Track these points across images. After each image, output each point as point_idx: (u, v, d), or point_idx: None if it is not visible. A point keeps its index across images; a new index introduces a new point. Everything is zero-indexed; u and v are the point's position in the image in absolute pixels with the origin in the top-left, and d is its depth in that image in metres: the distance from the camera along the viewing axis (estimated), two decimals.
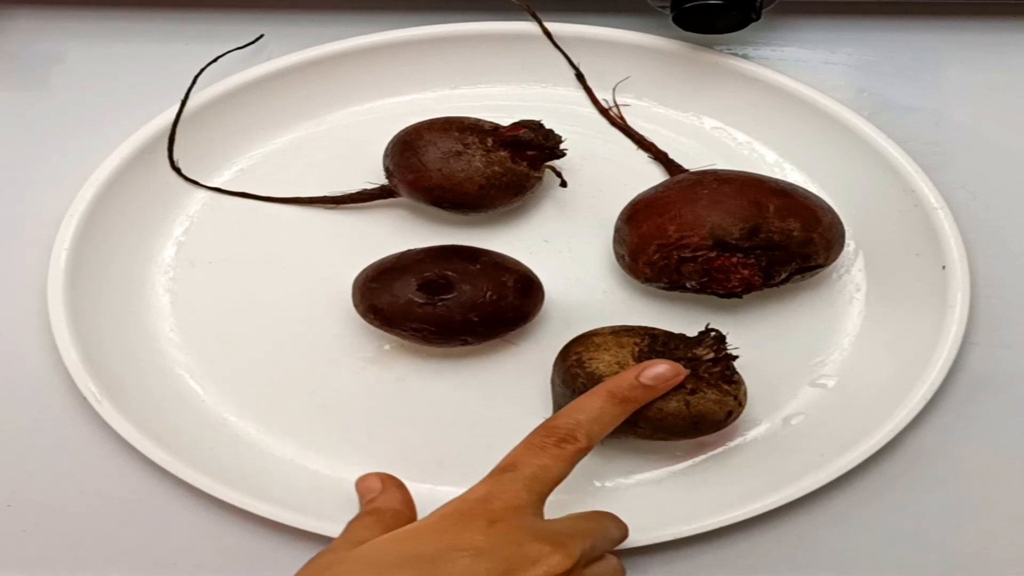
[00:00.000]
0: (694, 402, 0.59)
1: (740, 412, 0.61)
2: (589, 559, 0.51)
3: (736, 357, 0.60)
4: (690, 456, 0.64)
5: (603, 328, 0.62)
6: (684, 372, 0.58)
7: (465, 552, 0.48)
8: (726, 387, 0.60)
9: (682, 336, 0.61)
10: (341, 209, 0.68)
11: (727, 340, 0.60)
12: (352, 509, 0.62)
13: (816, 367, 0.66)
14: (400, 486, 0.60)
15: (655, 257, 0.62)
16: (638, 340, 0.61)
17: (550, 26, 0.68)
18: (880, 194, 0.66)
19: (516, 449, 0.54)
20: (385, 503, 0.59)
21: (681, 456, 0.64)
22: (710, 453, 0.65)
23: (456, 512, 0.51)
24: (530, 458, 0.53)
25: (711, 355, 0.59)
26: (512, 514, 0.50)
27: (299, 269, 0.67)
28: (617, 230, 0.65)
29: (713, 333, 0.60)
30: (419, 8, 0.69)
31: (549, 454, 0.53)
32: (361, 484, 0.62)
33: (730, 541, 0.64)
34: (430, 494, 0.64)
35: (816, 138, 0.67)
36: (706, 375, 0.59)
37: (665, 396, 0.58)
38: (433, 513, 0.52)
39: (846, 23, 0.70)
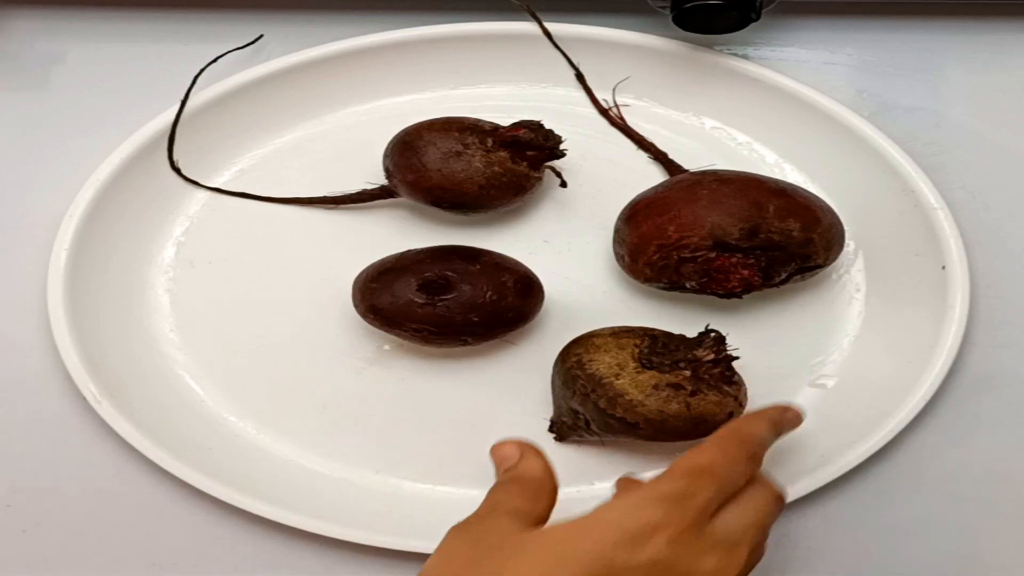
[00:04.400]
0: (695, 403, 0.59)
1: (741, 413, 0.61)
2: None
3: (736, 358, 0.60)
4: None
5: (603, 329, 0.62)
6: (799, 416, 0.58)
7: (645, 565, 0.46)
8: (727, 388, 0.60)
9: (682, 337, 0.61)
10: (341, 209, 0.68)
11: (727, 341, 0.60)
12: (351, 510, 0.62)
13: (816, 367, 0.66)
14: (539, 454, 0.56)
15: (655, 257, 0.62)
16: (638, 341, 0.61)
17: (550, 26, 0.68)
18: (880, 194, 0.66)
19: (710, 450, 0.51)
20: (528, 471, 0.55)
21: None
22: None
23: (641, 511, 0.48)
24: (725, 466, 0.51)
25: (711, 356, 0.59)
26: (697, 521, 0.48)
27: (299, 269, 0.67)
28: (617, 230, 0.65)
29: (713, 334, 0.60)
30: (419, 8, 0.69)
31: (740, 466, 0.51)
32: (497, 452, 0.57)
33: None
34: (430, 494, 0.64)
35: (816, 138, 0.67)
36: (706, 376, 0.59)
37: (666, 398, 0.59)
38: (619, 501, 0.50)
39: (846, 23, 0.70)
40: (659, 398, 0.59)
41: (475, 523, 0.50)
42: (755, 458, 0.51)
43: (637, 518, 0.46)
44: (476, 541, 0.49)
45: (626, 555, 0.45)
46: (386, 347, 0.66)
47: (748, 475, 0.51)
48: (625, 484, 0.58)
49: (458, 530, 0.50)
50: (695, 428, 0.59)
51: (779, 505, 0.52)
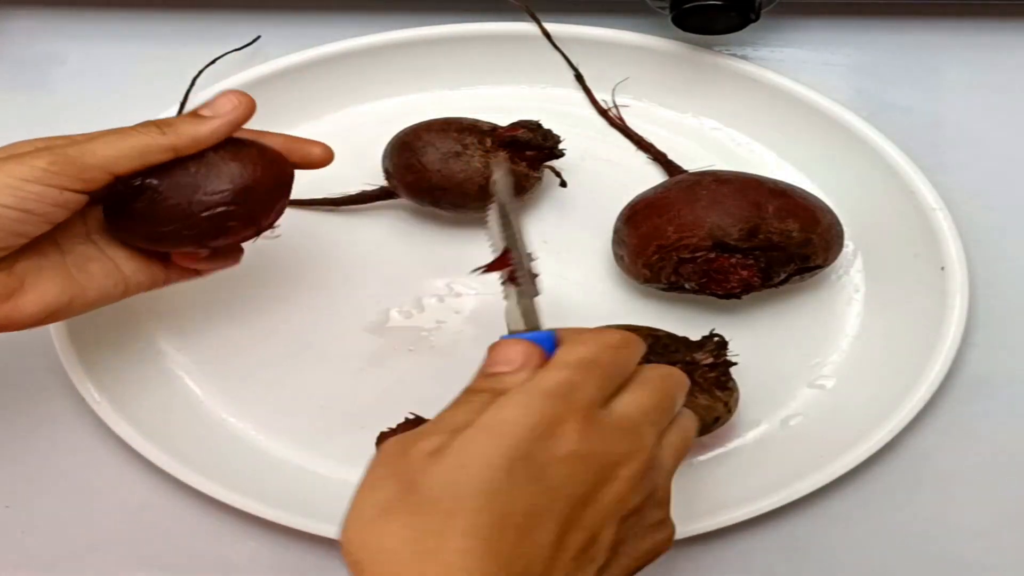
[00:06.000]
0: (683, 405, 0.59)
1: (728, 419, 0.61)
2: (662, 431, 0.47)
3: (734, 364, 0.60)
4: (689, 457, 0.64)
5: (607, 328, 0.62)
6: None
7: (564, 462, 0.44)
8: (718, 393, 0.60)
9: (685, 339, 0.61)
10: (340, 211, 0.68)
11: (728, 347, 0.60)
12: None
13: (815, 368, 0.66)
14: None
15: (654, 258, 0.62)
16: None
17: (549, 27, 0.68)
18: (879, 195, 0.66)
19: (589, 341, 0.48)
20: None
21: None
22: (709, 454, 0.65)
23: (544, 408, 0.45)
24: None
25: (710, 360, 0.59)
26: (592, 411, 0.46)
27: (298, 271, 0.67)
28: (616, 231, 0.65)
29: (716, 339, 0.60)
30: (418, 9, 0.69)
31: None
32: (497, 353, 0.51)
33: (730, 541, 0.64)
34: None
35: (815, 139, 0.67)
36: (701, 380, 0.59)
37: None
38: (506, 401, 0.45)
39: (845, 24, 0.70)
40: None
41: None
42: (635, 343, 0.49)
43: (536, 414, 0.43)
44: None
45: (543, 449, 0.43)
46: (387, 347, 0.66)
47: (633, 361, 0.48)
48: (497, 354, 0.49)
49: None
50: None
51: (676, 381, 0.49)
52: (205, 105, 0.54)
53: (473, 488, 0.41)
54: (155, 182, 0.53)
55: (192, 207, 0.53)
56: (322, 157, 0.57)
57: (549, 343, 0.47)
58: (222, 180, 0.53)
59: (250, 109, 0.54)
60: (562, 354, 0.46)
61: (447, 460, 0.42)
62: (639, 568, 0.47)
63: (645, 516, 0.46)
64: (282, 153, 0.56)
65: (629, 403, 0.46)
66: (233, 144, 0.54)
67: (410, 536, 0.41)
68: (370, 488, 0.44)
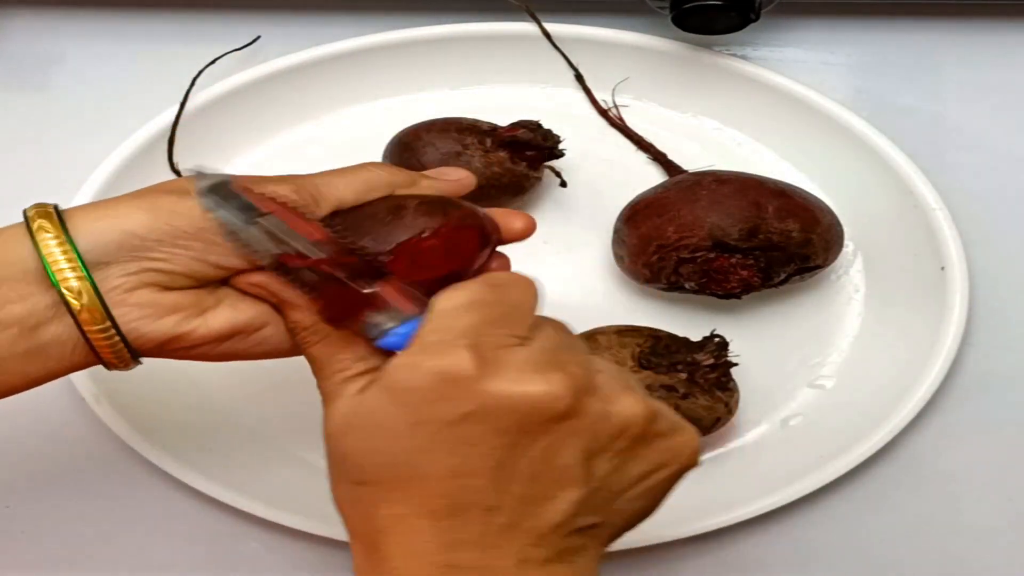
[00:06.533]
0: (684, 406, 0.59)
1: (728, 419, 0.61)
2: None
3: (735, 364, 0.60)
4: None
5: (608, 327, 0.62)
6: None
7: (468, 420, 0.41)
8: (719, 394, 0.60)
9: (686, 340, 0.61)
10: None
11: (729, 348, 0.60)
12: None
13: (815, 368, 0.66)
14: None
15: (654, 258, 0.62)
16: (640, 341, 0.61)
17: (549, 27, 0.68)
18: (879, 195, 0.66)
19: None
20: None
21: None
22: (709, 454, 0.65)
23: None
24: None
25: (711, 360, 0.59)
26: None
27: None
28: (616, 231, 0.65)
29: (717, 339, 0.60)
30: (418, 9, 0.69)
31: None
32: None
33: (730, 541, 0.64)
34: None
35: (815, 139, 0.67)
36: (701, 380, 0.59)
37: (657, 399, 0.59)
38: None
39: (845, 24, 0.70)
40: None
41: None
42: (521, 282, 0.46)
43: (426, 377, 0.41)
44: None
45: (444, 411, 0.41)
46: None
47: (528, 303, 0.46)
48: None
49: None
50: None
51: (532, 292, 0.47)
52: (432, 171, 0.52)
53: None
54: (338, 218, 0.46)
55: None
56: (523, 231, 0.51)
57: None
58: (397, 228, 0.46)
59: (470, 186, 0.51)
60: (441, 301, 0.43)
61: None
62: (659, 487, 0.45)
63: (615, 440, 0.43)
64: (488, 227, 0.49)
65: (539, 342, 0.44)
66: (443, 203, 0.48)
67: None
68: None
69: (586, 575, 0.44)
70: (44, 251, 0.42)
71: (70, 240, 0.42)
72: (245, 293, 0.46)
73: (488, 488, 0.41)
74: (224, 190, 0.45)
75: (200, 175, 0.45)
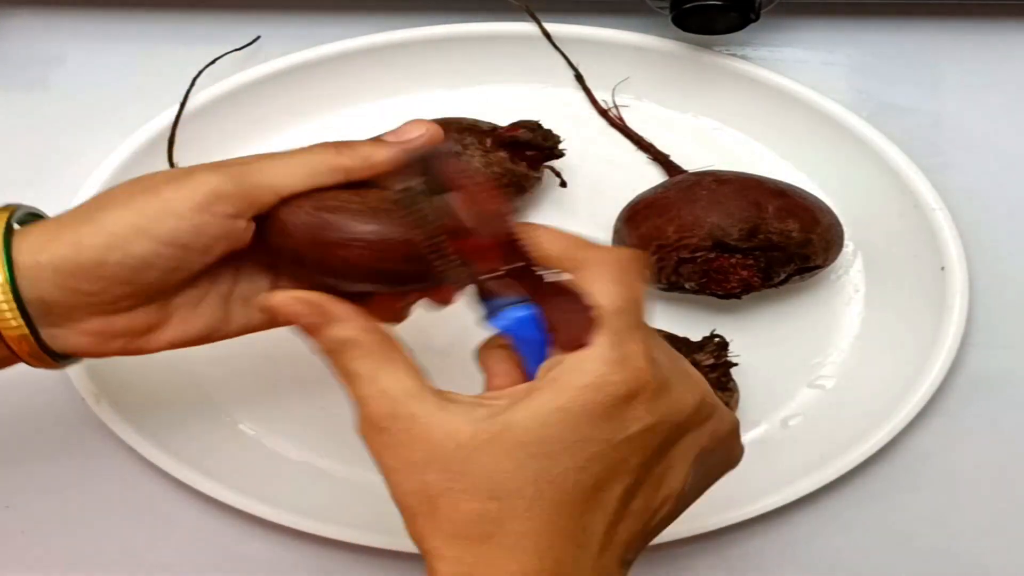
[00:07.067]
0: None
1: None
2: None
3: (735, 364, 0.60)
4: None
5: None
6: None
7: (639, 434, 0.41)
8: (719, 394, 0.60)
9: (685, 340, 0.61)
10: None
11: (729, 347, 0.60)
12: (351, 510, 0.62)
13: (815, 368, 0.66)
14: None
15: (654, 258, 0.62)
16: None
17: (549, 27, 0.68)
18: (879, 195, 0.66)
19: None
20: None
21: None
22: None
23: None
24: None
25: (711, 361, 0.59)
26: None
27: None
28: (616, 231, 0.65)
29: (717, 339, 0.60)
30: (418, 9, 0.69)
31: None
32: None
33: (730, 541, 0.64)
34: None
35: (815, 139, 0.67)
36: None
37: None
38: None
39: (845, 24, 0.70)
40: None
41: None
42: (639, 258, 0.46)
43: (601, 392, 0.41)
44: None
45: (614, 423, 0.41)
46: None
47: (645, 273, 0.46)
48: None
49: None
50: None
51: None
52: (391, 132, 0.48)
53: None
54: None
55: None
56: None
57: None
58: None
59: (437, 138, 0.48)
60: (605, 304, 0.42)
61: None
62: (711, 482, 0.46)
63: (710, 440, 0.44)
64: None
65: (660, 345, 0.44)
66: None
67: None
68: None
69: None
70: None
71: (12, 283, 0.44)
72: (272, 315, 0.45)
73: (621, 502, 0.41)
74: (429, 163, 0.46)
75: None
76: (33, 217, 0.49)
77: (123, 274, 0.44)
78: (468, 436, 0.41)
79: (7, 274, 0.44)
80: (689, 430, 0.43)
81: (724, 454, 0.46)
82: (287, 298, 0.44)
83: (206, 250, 0.45)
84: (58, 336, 0.46)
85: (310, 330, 0.45)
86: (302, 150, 0.47)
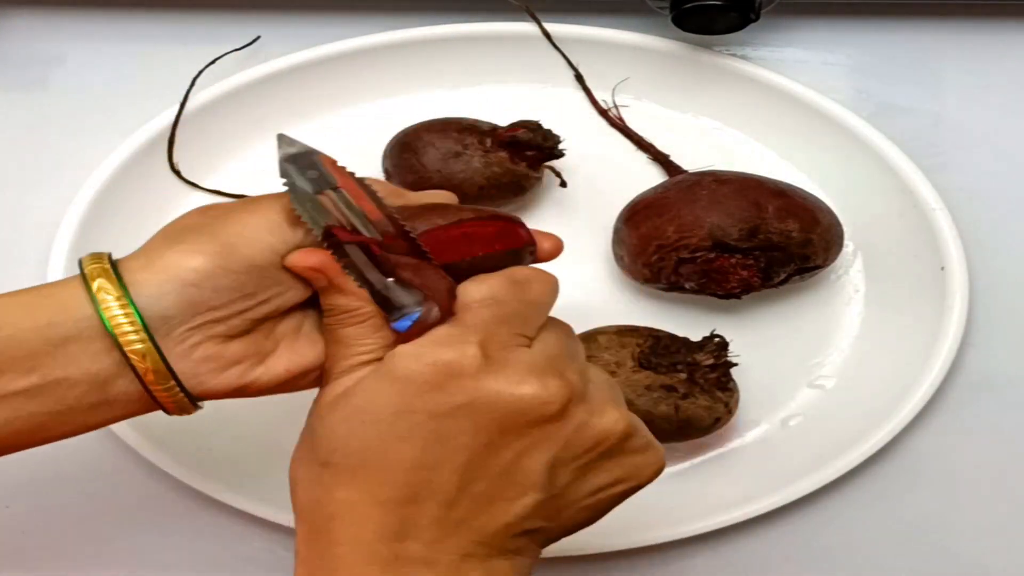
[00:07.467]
0: (684, 406, 0.59)
1: (728, 419, 0.61)
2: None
3: (735, 364, 0.60)
4: (689, 457, 0.64)
5: (608, 327, 0.62)
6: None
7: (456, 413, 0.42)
8: (719, 394, 0.60)
9: (685, 340, 0.61)
10: None
11: (729, 348, 0.60)
12: None
13: (814, 368, 0.66)
14: None
15: (654, 258, 0.62)
16: (640, 341, 0.61)
17: (549, 27, 0.68)
18: (879, 195, 0.66)
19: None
20: None
21: (680, 457, 0.64)
22: (709, 454, 0.65)
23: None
24: None
25: (711, 361, 0.59)
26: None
27: None
28: (616, 231, 0.65)
29: (717, 339, 0.60)
30: (418, 9, 0.69)
31: None
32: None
33: (730, 541, 0.64)
34: None
35: (815, 139, 0.67)
36: (701, 380, 0.59)
37: (656, 399, 0.59)
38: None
39: (845, 24, 0.70)
40: (650, 399, 0.59)
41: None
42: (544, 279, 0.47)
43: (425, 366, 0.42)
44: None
45: (430, 401, 0.42)
46: None
47: (547, 300, 0.47)
48: None
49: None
50: (680, 431, 0.60)
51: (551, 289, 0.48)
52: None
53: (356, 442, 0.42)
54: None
55: None
56: (551, 251, 0.50)
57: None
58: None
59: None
60: (464, 293, 0.43)
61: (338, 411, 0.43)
62: (609, 500, 0.45)
63: (585, 454, 0.44)
64: (524, 232, 0.48)
65: (544, 341, 0.45)
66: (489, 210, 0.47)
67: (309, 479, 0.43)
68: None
69: (522, 574, 0.45)
70: (107, 315, 0.42)
71: (130, 300, 0.43)
72: (296, 276, 0.45)
73: (451, 483, 0.42)
74: (304, 160, 0.46)
75: (284, 140, 0.47)
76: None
77: (246, 283, 0.44)
78: (324, 402, 0.44)
79: (122, 290, 0.43)
80: (534, 424, 0.42)
81: (610, 462, 0.44)
82: (306, 262, 0.44)
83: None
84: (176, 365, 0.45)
85: (321, 292, 0.45)
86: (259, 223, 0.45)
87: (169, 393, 0.44)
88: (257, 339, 0.46)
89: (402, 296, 0.44)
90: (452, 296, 0.43)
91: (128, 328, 0.42)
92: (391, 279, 0.44)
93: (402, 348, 0.43)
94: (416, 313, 0.43)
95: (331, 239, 0.44)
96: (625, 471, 0.45)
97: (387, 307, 0.44)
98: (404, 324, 0.43)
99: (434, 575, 0.42)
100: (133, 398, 0.44)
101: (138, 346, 0.43)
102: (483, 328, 0.43)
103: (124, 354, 0.43)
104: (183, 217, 0.46)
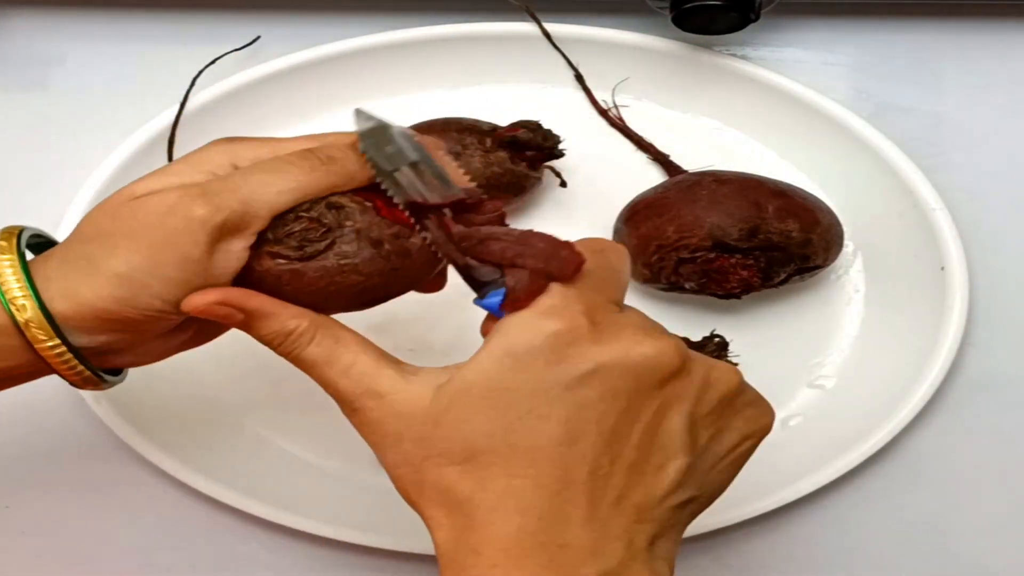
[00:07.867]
0: None
1: None
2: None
3: (735, 364, 0.60)
4: None
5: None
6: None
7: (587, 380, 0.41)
8: None
9: (685, 340, 0.61)
10: None
11: (729, 347, 0.60)
12: (351, 510, 0.62)
13: (814, 368, 0.66)
14: None
15: (654, 258, 0.62)
16: None
17: (549, 27, 0.68)
18: (879, 195, 0.66)
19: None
20: None
21: None
22: None
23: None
24: None
25: None
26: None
27: None
28: (616, 231, 0.65)
29: (716, 339, 0.60)
30: (418, 9, 0.69)
31: None
32: None
33: (730, 541, 0.64)
34: None
35: (815, 139, 0.67)
36: None
37: None
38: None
39: (845, 24, 0.70)
40: None
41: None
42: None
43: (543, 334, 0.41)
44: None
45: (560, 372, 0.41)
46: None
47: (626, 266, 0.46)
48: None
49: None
50: None
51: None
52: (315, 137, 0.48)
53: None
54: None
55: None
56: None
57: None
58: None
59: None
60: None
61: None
62: (741, 458, 0.45)
63: (718, 408, 0.43)
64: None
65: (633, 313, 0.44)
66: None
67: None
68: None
69: (674, 558, 0.43)
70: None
71: (24, 267, 0.44)
72: (199, 318, 0.44)
73: (603, 455, 0.41)
74: (382, 134, 0.45)
75: (361, 115, 0.46)
76: (36, 238, 0.48)
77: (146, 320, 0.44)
78: (431, 402, 0.42)
79: (36, 301, 0.43)
80: (665, 382, 0.41)
81: (735, 418, 0.44)
82: (204, 302, 0.44)
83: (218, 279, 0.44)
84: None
85: (243, 328, 0.45)
86: (287, 162, 0.45)
87: (59, 357, 0.44)
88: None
89: (484, 272, 0.43)
90: (561, 258, 0.42)
91: (14, 285, 0.43)
92: (470, 257, 0.44)
93: (510, 323, 0.41)
94: (502, 289, 0.42)
95: (416, 209, 0.44)
96: (748, 427, 0.45)
97: (473, 284, 0.44)
98: (494, 300, 0.42)
99: (599, 566, 0.40)
100: (18, 353, 0.44)
101: (22, 301, 0.43)
102: (581, 296, 0.42)
103: (4, 304, 0.43)
104: (109, 207, 0.45)
